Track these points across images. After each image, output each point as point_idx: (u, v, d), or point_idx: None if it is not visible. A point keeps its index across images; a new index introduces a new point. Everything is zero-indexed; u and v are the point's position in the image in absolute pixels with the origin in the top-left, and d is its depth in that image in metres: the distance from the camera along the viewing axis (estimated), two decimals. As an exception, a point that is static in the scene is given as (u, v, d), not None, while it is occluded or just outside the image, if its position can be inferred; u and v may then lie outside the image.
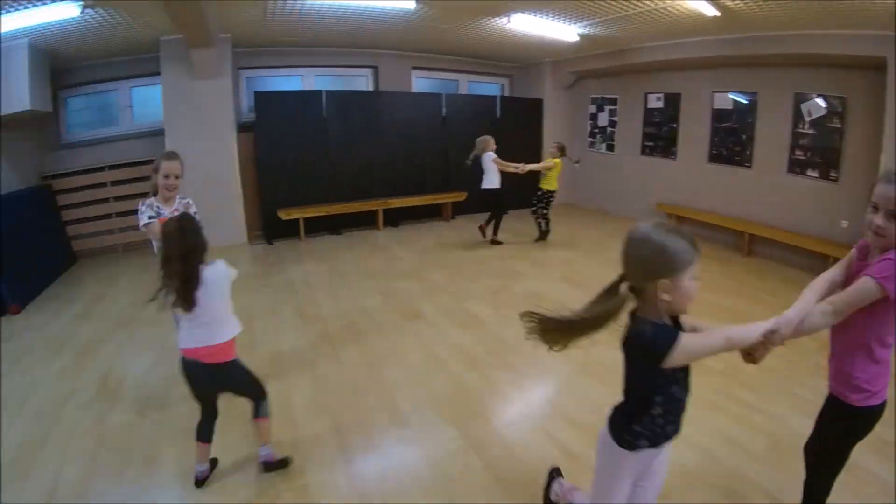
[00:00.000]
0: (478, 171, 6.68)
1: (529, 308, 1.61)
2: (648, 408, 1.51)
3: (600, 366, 3.51)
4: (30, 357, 3.99)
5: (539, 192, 6.78)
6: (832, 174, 5.68)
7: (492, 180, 6.58)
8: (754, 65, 6.15)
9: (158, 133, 6.60)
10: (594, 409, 2.98)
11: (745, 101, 6.48)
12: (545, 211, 6.83)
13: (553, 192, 6.74)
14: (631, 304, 1.50)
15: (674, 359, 1.39)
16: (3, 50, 4.95)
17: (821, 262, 5.19)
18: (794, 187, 6.01)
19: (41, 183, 6.36)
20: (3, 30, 4.54)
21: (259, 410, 2.51)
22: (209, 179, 6.60)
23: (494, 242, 6.81)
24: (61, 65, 6.16)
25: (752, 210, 6.39)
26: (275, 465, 2.56)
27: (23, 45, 4.99)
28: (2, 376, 3.63)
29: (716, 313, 4.44)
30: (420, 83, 8.78)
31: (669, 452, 1.69)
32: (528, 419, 3.00)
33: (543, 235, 6.94)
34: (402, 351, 3.90)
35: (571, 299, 4.57)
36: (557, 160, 6.65)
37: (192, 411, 3.12)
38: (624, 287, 1.49)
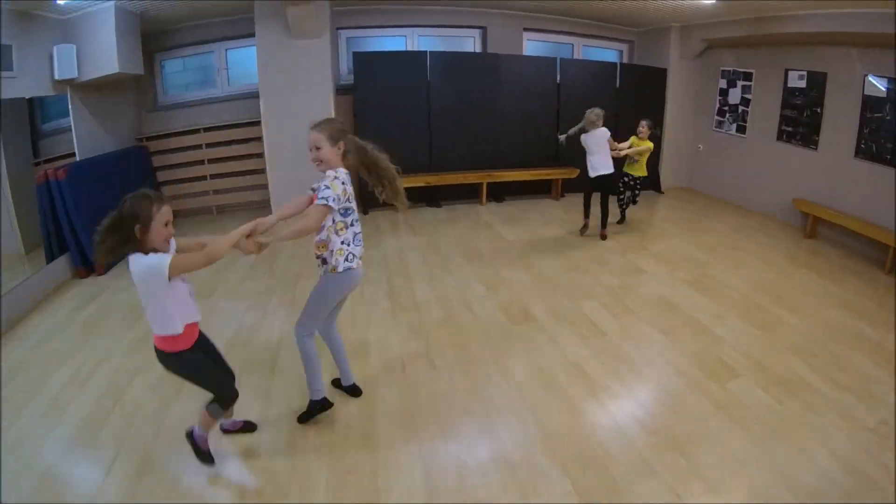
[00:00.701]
0: None
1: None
2: None
3: (741, 408, 2.74)
4: (106, 323, 3.82)
5: (626, 179, 5.97)
6: None
7: None
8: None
9: (254, 95, 6.35)
10: (735, 470, 2.31)
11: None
12: (635, 201, 6.13)
13: (644, 178, 5.96)
14: None
15: None
16: (90, 14, 4.84)
17: None
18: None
19: (137, 144, 6.34)
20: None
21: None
22: (305, 144, 6.26)
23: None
24: (156, 28, 6.03)
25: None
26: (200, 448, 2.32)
27: (109, 7, 4.84)
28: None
29: (859, 345, 3.43)
30: (532, 46, 7.94)
31: None
32: (657, 477, 2.28)
33: (623, 218, 6.26)
34: (508, 362, 3.25)
35: (705, 313, 3.69)
36: (650, 143, 5.80)
37: (260, 411, 2.71)
38: None
